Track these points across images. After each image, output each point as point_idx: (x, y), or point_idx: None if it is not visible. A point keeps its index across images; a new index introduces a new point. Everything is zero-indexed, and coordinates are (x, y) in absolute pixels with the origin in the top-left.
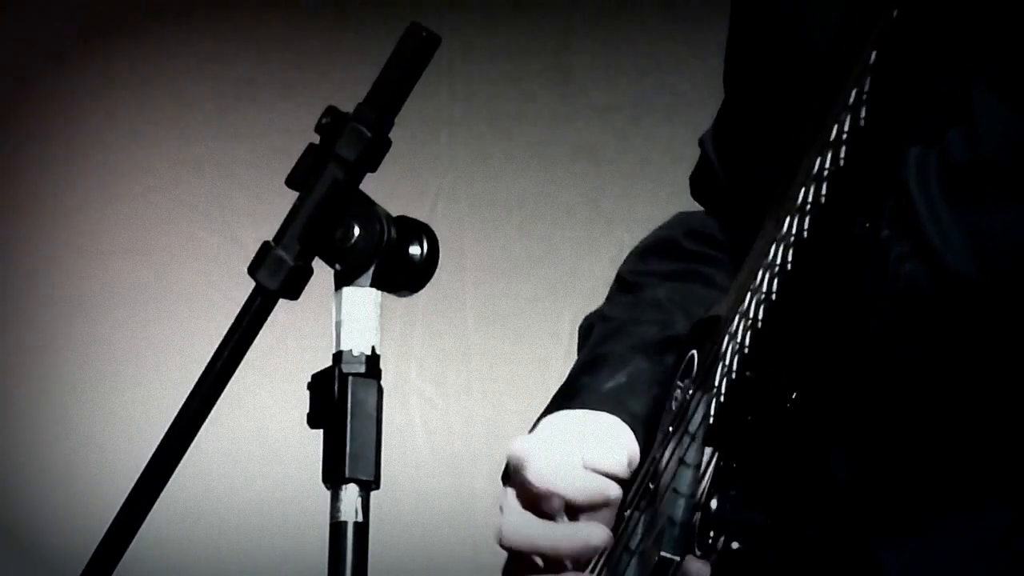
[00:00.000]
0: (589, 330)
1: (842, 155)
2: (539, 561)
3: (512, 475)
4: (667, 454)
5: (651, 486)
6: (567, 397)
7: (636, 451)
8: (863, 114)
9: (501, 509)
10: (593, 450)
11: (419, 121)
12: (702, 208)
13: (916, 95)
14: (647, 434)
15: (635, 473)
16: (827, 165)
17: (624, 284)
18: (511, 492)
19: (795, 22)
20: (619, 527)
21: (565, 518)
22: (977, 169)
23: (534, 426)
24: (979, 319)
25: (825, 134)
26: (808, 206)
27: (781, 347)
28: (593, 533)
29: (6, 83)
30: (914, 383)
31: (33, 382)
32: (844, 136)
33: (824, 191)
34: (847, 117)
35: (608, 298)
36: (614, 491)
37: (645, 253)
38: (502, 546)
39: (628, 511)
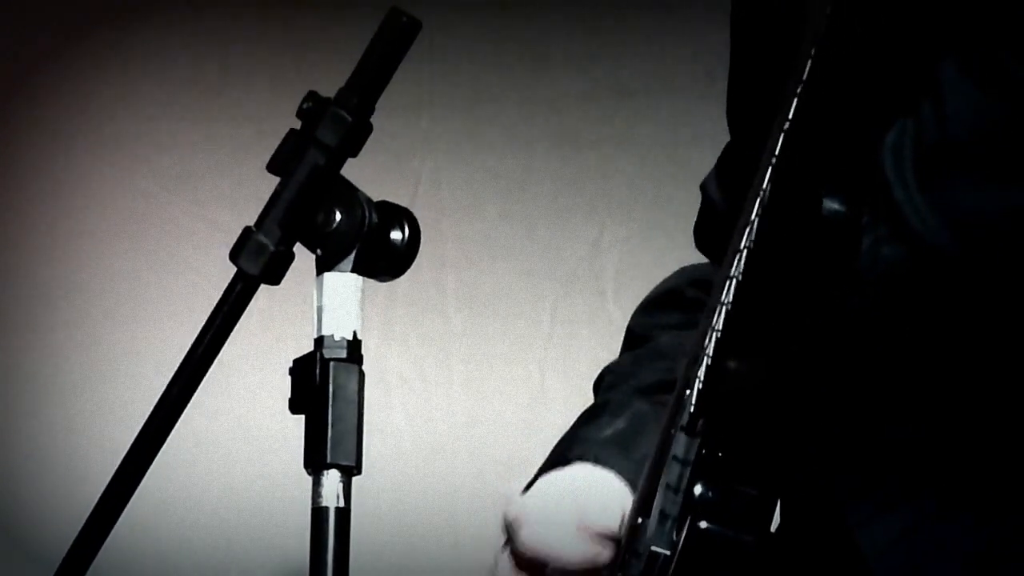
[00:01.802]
0: (598, 384)
1: (800, 132)
2: None
3: (507, 538)
4: (667, 455)
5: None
6: (566, 449)
7: (630, 504)
8: (817, 93)
9: (496, 564)
10: (585, 514)
11: (400, 106)
12: (707, 260)
13: (879, 74)
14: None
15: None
16: (781, 144)
17: (631, 338)
18: (506, 554)
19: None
20: (630, 535)
21: None
22: (948, 149)
23: (531, 482)
24: (961, 300)
25: (785, 110)
26: (769, 186)
27: (755, 331)
28: None
29: None
30: (897, 363)
31: (8, 366)
32: (799, 114)
33: (783, 168)
34: (801, 92)
35: (620, 353)
36: (606, 554)
37: (650, 306)
38: None
39: (639, 519)
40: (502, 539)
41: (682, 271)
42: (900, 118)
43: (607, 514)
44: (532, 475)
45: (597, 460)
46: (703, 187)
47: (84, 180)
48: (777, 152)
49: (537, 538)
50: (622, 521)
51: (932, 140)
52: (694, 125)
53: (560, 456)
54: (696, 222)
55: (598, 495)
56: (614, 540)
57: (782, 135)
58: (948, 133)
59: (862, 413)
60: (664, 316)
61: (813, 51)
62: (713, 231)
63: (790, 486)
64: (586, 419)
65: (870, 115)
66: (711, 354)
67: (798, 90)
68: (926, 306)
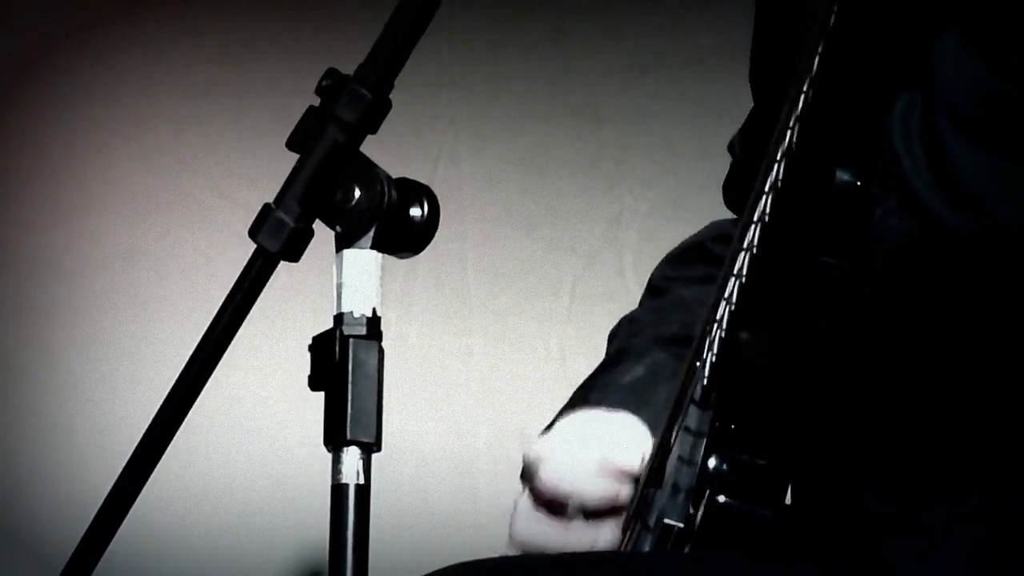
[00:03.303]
0: (615, 333)
1: (810, 106)
2: None
3: (528, 475)
4: (676, 426)
5: (663, 461)
6: (586, 394)
7: (650, 447)
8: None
9: (515, 506)
10: (606, 451)
11: (419, 83)
12: (734, 216)
13: (888, 47)
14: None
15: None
16: (792, 119)
17: (652, 289)
18: (526, 491)
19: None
20: (639, 506)
21: (581, 517)
22: (952, 122)
23: (551, 424)
24: (968, 275)
25: (797, 86)
26: (783, 156)
27: (767, 303)
28: (601, 535)
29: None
30: (905, 340)
31: (26, 345)
32: (810, 89)
33: (795, 139)
34: (813, 68)
35: (639, 304)
36: (625, 493)
37: (674, 259)
38: (514, 544)
39: (649, 489)
40: (521, 484)
41: (710, 225)
42: (908, 91)
43: (628, 452)
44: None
45: (614, 406)
46: (730, 147)
47: (100, 159)
48: (790, 125)
49: (558, 475)
50: (643, 460)
51: (937, 113)
52: (714, 100)
53: (580, 399)
54: (725, 181)
55: (619, 434)
56: (635, 479)
57: (795, 109)
58: (952, 104)
59: (869, 391)
60: (687, 269)
61: (829, 24)
62: (740, 189)
63: (800, 460)
64: (605, 366)
65: (880, 88)
66: (724, 327)
67: (810, 65)
68: (934, 281)
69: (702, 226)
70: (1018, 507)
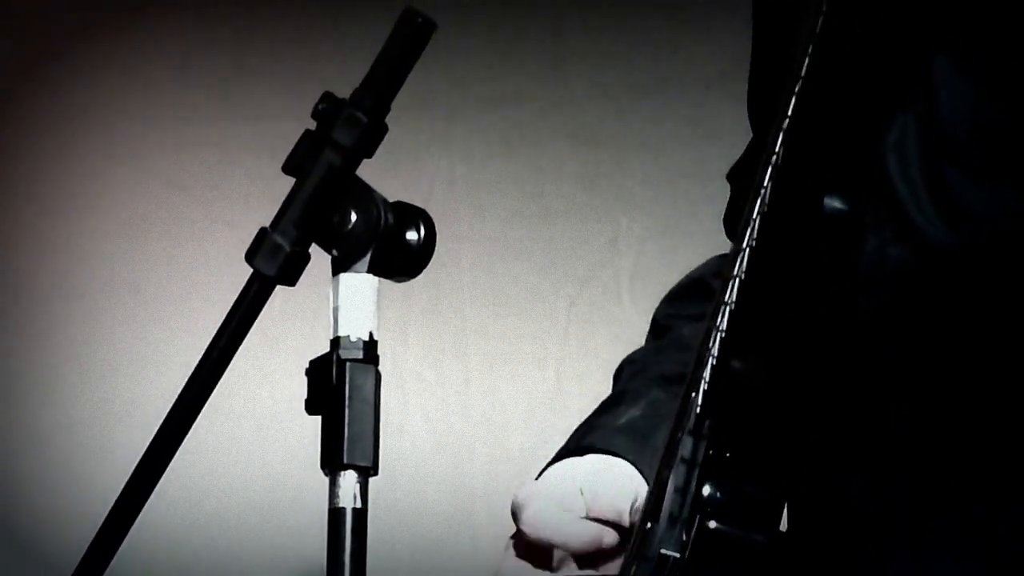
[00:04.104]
0: (619, 374)
1: (799, 130)
2: None
3: (514, 520)
4: (672, 459)
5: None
6: (580, 438)
7: (642, 492)
8: (815, 91)
9: (504, 557)
10: (594, 498)
11: (416, 106)
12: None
13: (878, 71)
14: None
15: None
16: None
17: (655, 328)
18: (513, 542)
19: None
20: (638, 540)
21: (572, 565)
22: (948, 148)
23: (543, 471)
24: (967, 300)
25: (783, 108)
26: (770, 181)
27: (759, 330)
28: None
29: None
30: (903, 363)
31: (22, 370)
32: (797, 112)
33: (782, 164)
34: (799, 90)
35: (644, 343)
36: (609, 538)
37: (674, 296)
38: None
39: (647, 524)
40: (513, 528)
41: (708, 262)
42: (901, 115)
43: (616, 499)
44: (547, 463)
45: (610, 449)
46: (729, 177)
47: (95, 181)
48: (777, 150)
49: (541, 520)
50: (632, 506)
51: (933, 138)
52: (710, 124)
53: (574, 443)
54: (725, 212)
55: (607, 480)
56: (620, 526)
57: (781, 133)
58: (948, 131)
59: (867, 411)
60: (688, 306)
61: (810, 49)
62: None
63: (797, 482)
64: (603, 408)
65: (869, 112)
66: (716, 355)
67: (796, 88)
68: (934, 305)
69: (699, 250)
70: (1019, 518)
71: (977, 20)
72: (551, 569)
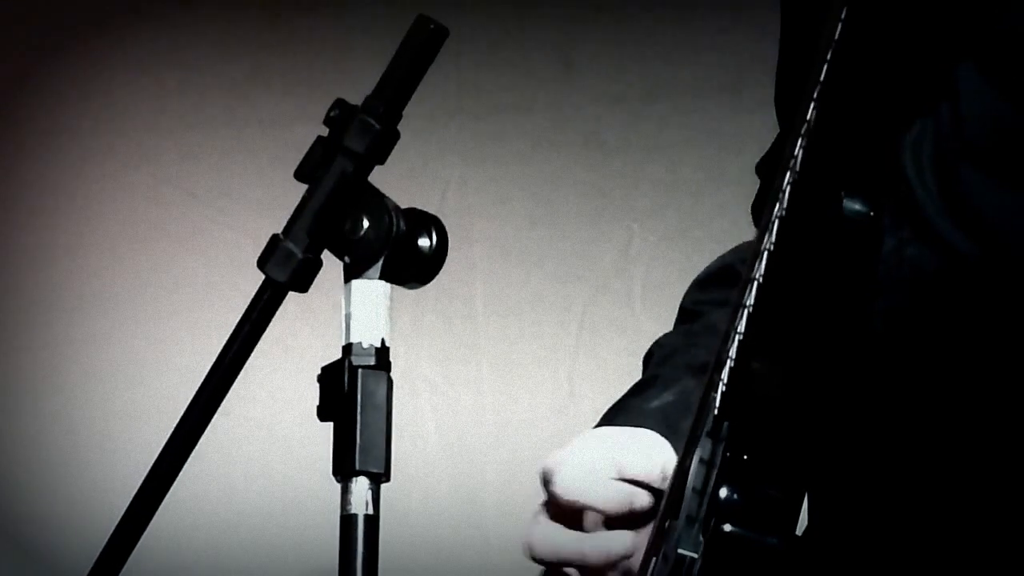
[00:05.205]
0: (648, 359)
1: (818, 132)
2: (572, 573)
3: (544, 486)
4: (691, 456)
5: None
6: (611, 416)
7: (672, 462)
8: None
9: (532, 527)
10: (624, 460)
11: (427, 113)
12: None
13: (898, 74)
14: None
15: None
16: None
17: (684, 314)
18: (542, 509)
19: None
20: (657, 537)
21: (602, 528)
22: (965, 151)
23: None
24: (985, 302)
25: (803, 110)
26: (788, 184)
27: (777, 333)
28: (615, 541)
29: (6, 72)
30: (923, 367)
31: (35, 378)
32: (818, 114)
33: (800, 166)
34: (819, 93)
35: (674, 326)
36: (640, 500)
37: (704, 282)
38: (532, 558)
39: (666, 520)
40: (539, 499)
41: (737, 248)
42: (919, 118)
43: (646, 463)
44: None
45: (642, 425)
46: (758, 169)
47: (108, 186)
48: (796, 153)
49: (572, 483)
50: (662, 471)
51: (950, 142)
52: (723, 130)
53: (604, 422)
54: (753, 203)
55: (638, 444)
56: (652, 488)
57: (800, 136)
58: (965, 135)
59: (884, 413)
60: (717, 292)
61: (829, 53)
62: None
63: (814, 485)
64: (635, 391)
65: (889, 115)
66: (734, 357)
67: (815, 92)
68: (950, 307)
69: (712, 258)
70: None
71: (1000, 25)
72: (583, 529)
